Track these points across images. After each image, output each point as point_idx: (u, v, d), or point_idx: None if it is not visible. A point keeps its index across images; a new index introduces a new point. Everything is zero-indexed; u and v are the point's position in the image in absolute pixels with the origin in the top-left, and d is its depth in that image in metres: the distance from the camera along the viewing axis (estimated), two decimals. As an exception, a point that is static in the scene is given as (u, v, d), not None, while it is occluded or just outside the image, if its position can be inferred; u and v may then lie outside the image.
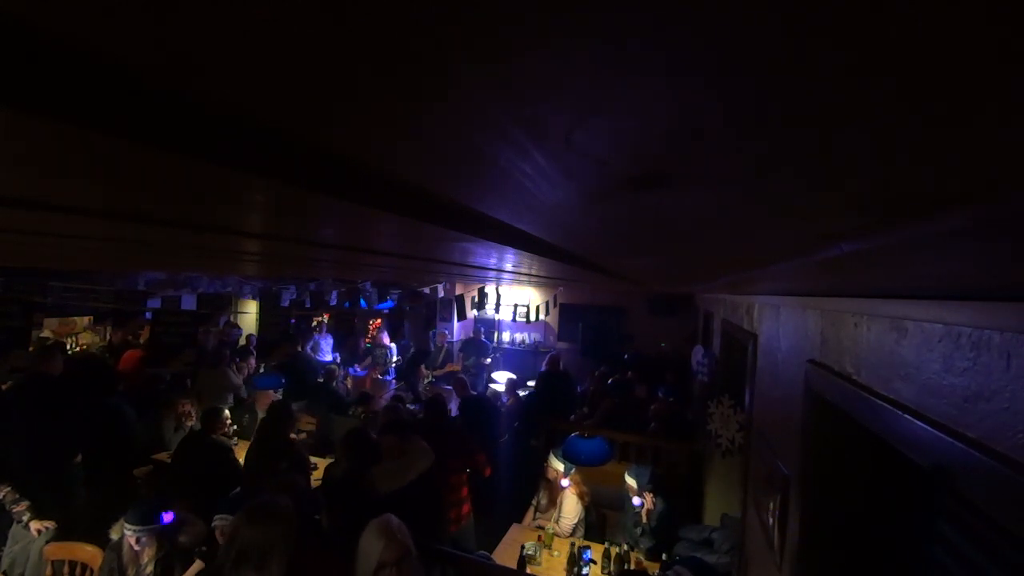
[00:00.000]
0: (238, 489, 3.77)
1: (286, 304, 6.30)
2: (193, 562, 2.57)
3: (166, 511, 2.60)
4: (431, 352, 8.49)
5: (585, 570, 3.27)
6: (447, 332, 9.03)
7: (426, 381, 7.83)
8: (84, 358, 5.19)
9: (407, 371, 8.07)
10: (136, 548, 2.51)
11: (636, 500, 3.61)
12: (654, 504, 3.56)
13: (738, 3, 0.19)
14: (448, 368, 8.18)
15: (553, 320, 9.30)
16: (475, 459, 3.90)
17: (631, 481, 3.64)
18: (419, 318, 8.16)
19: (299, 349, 6.77)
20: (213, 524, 2.64)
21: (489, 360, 8.67)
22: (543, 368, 6.74)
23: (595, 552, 3.45)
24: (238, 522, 1.99)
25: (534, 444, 5.02)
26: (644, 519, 3.59)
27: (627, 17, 0.21)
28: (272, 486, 2.67)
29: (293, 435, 4.23)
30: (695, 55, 0.24)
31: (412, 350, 8.41)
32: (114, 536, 2.63)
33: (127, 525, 2.52)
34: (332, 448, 5.14)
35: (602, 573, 3.34)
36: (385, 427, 3.35)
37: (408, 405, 5.94)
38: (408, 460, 3.13)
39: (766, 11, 0.19)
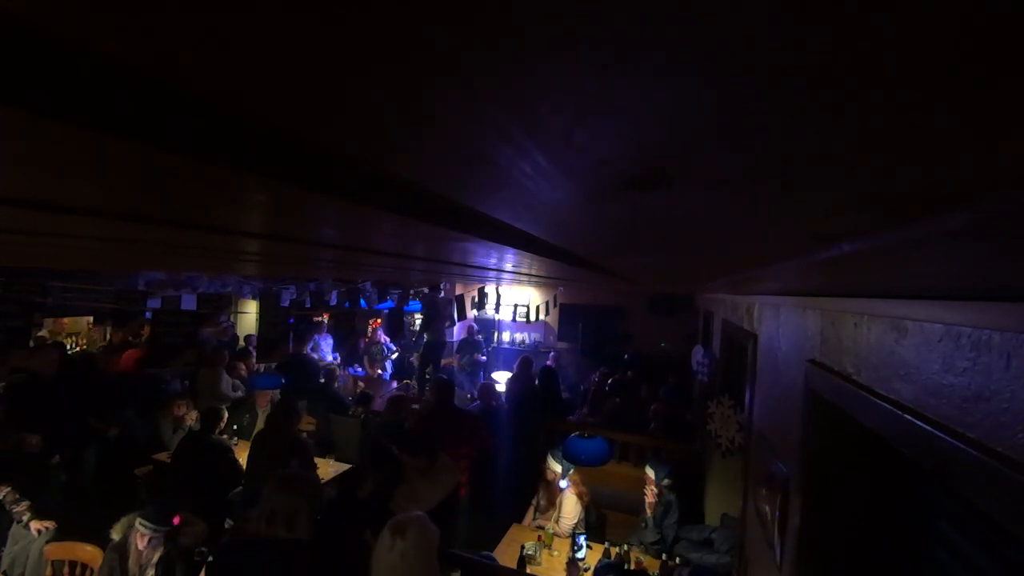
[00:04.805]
0: (239, 488, 3.78)
1: (286, 304, 6.28)
2: (195, 563, 2.57)
3: (176, 514, 2.60)
4: (445, 344, 8.45)
5: (580, 553, 3.38)
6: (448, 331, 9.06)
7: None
8: (79, 358, 5.19)
9: (423, 364, 7.91)
10: (143, 548, 2.49)
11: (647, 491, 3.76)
12: (656, 498, 3.65)
13: (737, 4, 0.19)
14: (444, 364, 8.20)
15: (553, 320, 9.28)
16: (481, 436, 4.19)
17: (649, 473, 3.76)
18: (440, 315, 8.07)
19: (296, 353, 6.66)
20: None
21: (484, 358, 8.75)
22: (515, 370, 6.38)
23: (593, 554, 3.46)
24: (270, 489, 2.22)
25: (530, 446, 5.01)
26: (648, 512, 3.68)
27: (625, 20, 0.21)
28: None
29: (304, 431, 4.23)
30: (693, 57, 0.24)
31: (426, 341, 8.24)
32: (114, 536, 2.61)
33: (143, 522, 2.49)
34: (332, 448, 5.13)
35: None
36: (406, 448, 3.21)
37: (412, 406, 5.92)
38: (435, 479, 3.04)
39: (764, 12, 0.19)
